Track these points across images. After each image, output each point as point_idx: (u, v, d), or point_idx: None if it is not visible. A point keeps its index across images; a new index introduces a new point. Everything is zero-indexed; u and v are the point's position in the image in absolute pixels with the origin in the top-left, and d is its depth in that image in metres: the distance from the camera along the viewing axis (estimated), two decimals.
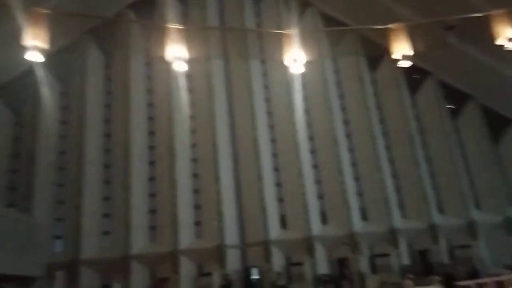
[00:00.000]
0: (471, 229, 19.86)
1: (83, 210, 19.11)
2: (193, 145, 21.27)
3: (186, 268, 18.47)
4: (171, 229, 18.86)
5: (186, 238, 18.95)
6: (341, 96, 22.59)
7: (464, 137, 22.12)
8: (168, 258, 18.55)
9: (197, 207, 20.17)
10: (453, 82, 21.82)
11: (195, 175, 20.73)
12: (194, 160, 21.00)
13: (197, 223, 19.93)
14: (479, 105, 21.80)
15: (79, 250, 18.43)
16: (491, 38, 15.25)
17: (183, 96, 20.94)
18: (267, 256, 18.88)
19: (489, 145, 21.52)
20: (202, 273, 18.55)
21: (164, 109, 21.23)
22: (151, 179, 20.60)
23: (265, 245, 19.02)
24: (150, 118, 21.81)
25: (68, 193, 20.09)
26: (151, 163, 20.91)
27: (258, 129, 20.91)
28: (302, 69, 9.73)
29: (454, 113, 22.33)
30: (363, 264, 19.05)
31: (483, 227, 19.92)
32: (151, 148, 21.22)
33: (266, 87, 22.59)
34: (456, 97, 22.09)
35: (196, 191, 20.44)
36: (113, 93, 22.31)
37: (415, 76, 22.27)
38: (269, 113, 22.08)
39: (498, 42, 15.22)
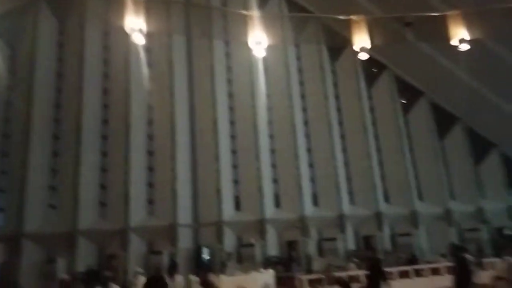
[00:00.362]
0: (413, 218, 21.12)
1: (28, 182, 18.22)
2: (150, 122, 20.78)
3: (136, 245, 18.25)
4: (122, 205, 18.48)
5: (137, 216, 18.66)
6: (302, 83, 22.89)
7: (413, 131, 23.22)
8: (117, 235, 18.22)
9: (150, 184, 19.85)
10: (407, 77, 22.73)
11: (151, 152, 20.33)
12: (150, 137, 20.56)
13: (150, 201, 19.65)
14: (429, 102, 22.90)
15: (22, 223, 17.62)
16: (446, 37, 16.04)
17: (142, 70, 20.29)
18: (220, 236, 19.07)
19: (436, 140, 22.77)
20: (152, 251, 18.41)
21: (121, 81, 20.49)
22: (104, 153, 19.95)
23: (218, 226, 19.18)
24: (105, 90, 20.98)
25: (12, 164, 19.03)
26: (104, 137, 20.21)
27: (218, 110, 20.80)
28: (264, 53, 9.75)
29: (406, 108, 23.35)
30: (311, 247, 19.76)
31: (424, 217, 21.23)
32: (105, 121, 20.48)
33: (228, 68, 22.40)
34: (409, 93, 23.08)
35: (150, 169, 20.09)
36: (66, 61, 21.15)
37: (373, 69, 22.98)
38: (230, 95, 21.99)
39: (452, 42, 16.04)
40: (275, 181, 21.11)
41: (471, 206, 21.53)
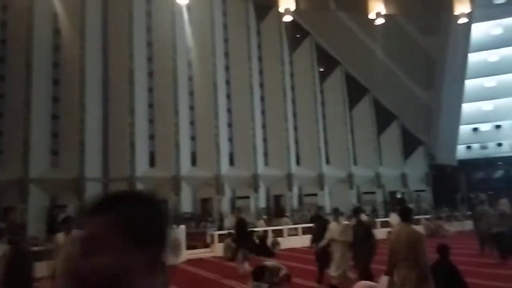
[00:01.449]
0: (319, 180, 22.68)
1: None
2: (55, 65, 18.67)
3: (37, 198, 16.76)
4: (21, 155, 16.67)
5: (39, 167, 17.03)
6: (226, 40, 22.43)
7: (327, 99, 24.49)
8: (15, 186, 16.50)
9: (55, 134, 18.15)
10: (327, 46, 23.62)
11: (55, 99, 18.44)
12: (55, 82, 18.58)
13: (54, 152, 18.04)
14: (344, 72, 24.19)
15: None
16: (365, 10, 16.94)
17: (49, 9, 17.95)
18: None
19: (346, 110, 24.35)
20: (56, 205, 17.11)
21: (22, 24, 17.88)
22: None
23: (130, 181, 18.43)
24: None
25: None
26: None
27: (135, 60, 19.46)
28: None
29: (323, 76, 24.41)
30: (225, 205, 20.18)
31: (329, 180, 22.92)
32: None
33: (148, 14, 20.85)
34: (327, 62, 24.08)
35: (55, 117, 18.29)
36: None
37: (296, 35, 23.40)
38: (149, 44, 20.66)
39: (370, 15, 17.00)
40: (192, 138, 20.82)
41: (370, 172, 23.77)
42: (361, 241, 7.50)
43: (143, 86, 19.85)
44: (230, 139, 21.71)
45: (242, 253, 9.92)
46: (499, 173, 24.11)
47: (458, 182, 23.27)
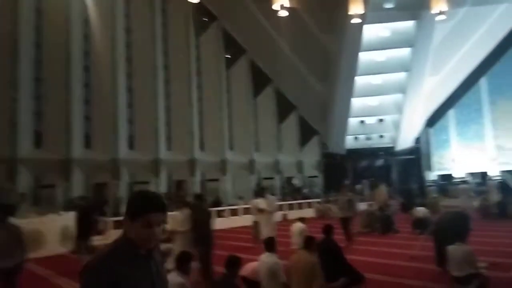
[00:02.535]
0: (222, 166, 22.96)
1: None
2: None
3: None
4: None
5: None
6: (127, 16, 21.04)
7: (233, 86, 24.74)
8: None
9: None
10: (234, 33, 23.73)
11: None
12: None
13: None
14: (249, 60, 24.63)
15: None
16: (270, 1, 17.35)
17: None
18: (13, 175, 16.42)
19: (250, 97, 24.92)
20: None
21: None
22: None
23: (12, 163, 16.44)
24: None
25: None
26: None
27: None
28: None
29: (229, 63, 24.53)
30: (122, 190, 19.22)
31: (231, 165, 23.34)
32: None
33: None
34: (233, 48, 24.22)
35: None
36: None
37: (204, 18, 23.02)
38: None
39: (274, 6, 17.46)
40: (87, 118, 19.31)
41: (270, 158, 24.82)
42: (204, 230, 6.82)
43: (29, 57, 17.70)
44: (130, 121, 20.65)
45: (85, 246, 8.75)
46: (380, 162, 27.12)
47: (346, 169, 25.61)
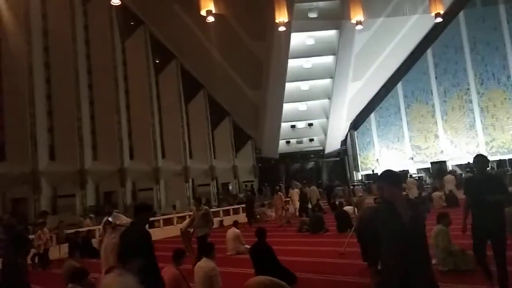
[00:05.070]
0: (155, 174, 22.25)
1: None
2: None
3: None
4: None
5: None
6: (44, 17, 19.57)
7: (163, 92, 24.11)
8: None
9: None
10: (162, 38, 23.19)
11: None
12: None
13: None
14: (180, 66, 24.18)
15: None
16: (198, 5, 17.23)
17: None
18: None
19: (182, 103, 24.44)
20: None
21: None
22: None
23: None
24: None
25: None
26: None
27: None
28: None
29: (159, 68, 23.89)
30: (44, 204, 17.78)
31: (164, 174, 22.70)
32: None
33: None
34: (162, 53, 23.66)
35: None
36: None
37: (130, 22, 22.24)
38: None
39: (202, 12, 17.37)
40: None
41: (205, 165, 24.58)
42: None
43: None
44: (50, 130, 19.20)
45: None
46: (310, 164, 28.20)
47: (279, 173, 26.25)
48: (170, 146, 23.74)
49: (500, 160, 22.93)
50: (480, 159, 4.85)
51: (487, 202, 4.47)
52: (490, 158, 22.68)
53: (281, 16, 16.54)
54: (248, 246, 8.09)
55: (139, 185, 21.99)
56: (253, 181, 26.20)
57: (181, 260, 5.49)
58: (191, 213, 10.80)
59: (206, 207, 9.06)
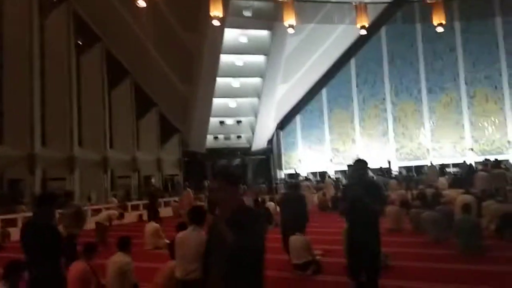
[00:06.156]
0: (69, 163, 20.74)
1: None
2: None
3: None
4: None
5: None
6: None
7: (85, 76, 22.49)
8: None
9: None
10: (87, 17, 21.63)
11: None
12: None
13: None
14: (104, 49, 22.74)
15: None
16: None
17: None
18: None
19: (105, 89, 23.05)
20: None
21: None
22: None
23: None
24: None
25: None
26: None
27: None
28: None
29: (82, 49, 22.26)
30: None
31: (81, 163, 21.26)
32: None
33: None
34: (87, 34, 22.06)
35: None
36: None
37: None
38: None
39: None
40: None
41: (127, 156, 23.50)
42: None
43: None
44: None
45: None
46: (237, 161, 28.45)
47: (205, 168, 26.06)
48: (89, 133, 22.27)
49: (408, 166, 25.27)
50: (357, 165, 4.38)
51: (363, 218, 4.08)
52: (399, 164, 25.35)
53: (216, 10, 16.40)
54: (168, 241, 7.91)
55: (51, 174, 20.31)
56: (177, 175, 25.69)
57: (92, 254, 5.19)
58: (108, 205, 10.27)
59: (79, 204, 8.40)
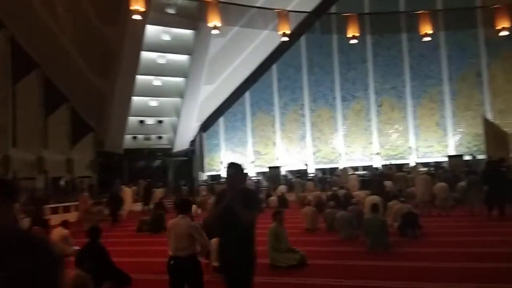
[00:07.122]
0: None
1: None
2: None
3: None
4: None
5: None
6: None
7: None
8: None
9: None
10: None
11: None
12: None
13: None
14: (9, 38, 20.50)
15: None
16: None
17: None
18: None
19: (8, 83, 20.76)
20: None
21: None
22: None
23: None
24: None
25: None
26: None
27: None
28: None
29: None
30: None
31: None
32: None
33: None
34: None
35: None
36: None
37: None
38: None
39: None
40: None
41: (32, 155, 21.40)
42: None
43: None
44: None
45: None
46: (157, 163, 27.54)
47: (123, 169, 24.77)
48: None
49: (323, 169, 26.75)
50: (231, 169, 3.83)
51: (232, 228, 3.70)
52: (316, 166, 26.72)
53: (137, 4, 15.65)
54: (78, 248, 7.34)
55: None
56: (91, 176, 24.05)
57: None
58: None
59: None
